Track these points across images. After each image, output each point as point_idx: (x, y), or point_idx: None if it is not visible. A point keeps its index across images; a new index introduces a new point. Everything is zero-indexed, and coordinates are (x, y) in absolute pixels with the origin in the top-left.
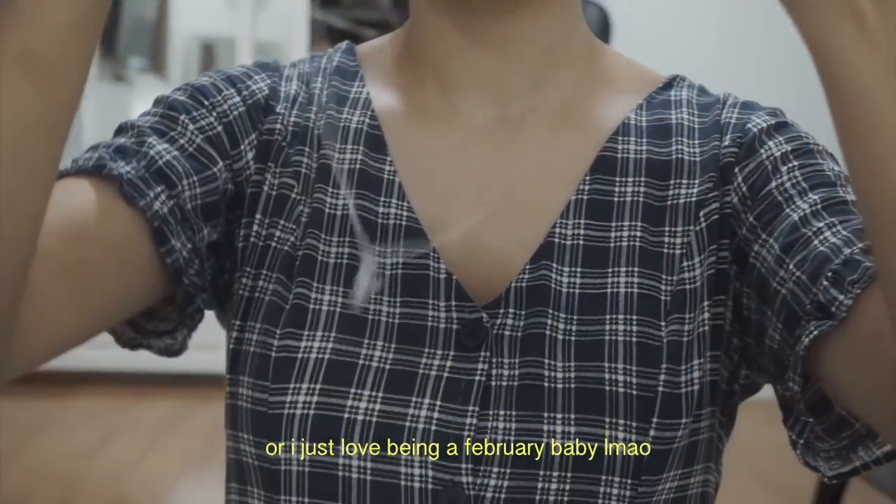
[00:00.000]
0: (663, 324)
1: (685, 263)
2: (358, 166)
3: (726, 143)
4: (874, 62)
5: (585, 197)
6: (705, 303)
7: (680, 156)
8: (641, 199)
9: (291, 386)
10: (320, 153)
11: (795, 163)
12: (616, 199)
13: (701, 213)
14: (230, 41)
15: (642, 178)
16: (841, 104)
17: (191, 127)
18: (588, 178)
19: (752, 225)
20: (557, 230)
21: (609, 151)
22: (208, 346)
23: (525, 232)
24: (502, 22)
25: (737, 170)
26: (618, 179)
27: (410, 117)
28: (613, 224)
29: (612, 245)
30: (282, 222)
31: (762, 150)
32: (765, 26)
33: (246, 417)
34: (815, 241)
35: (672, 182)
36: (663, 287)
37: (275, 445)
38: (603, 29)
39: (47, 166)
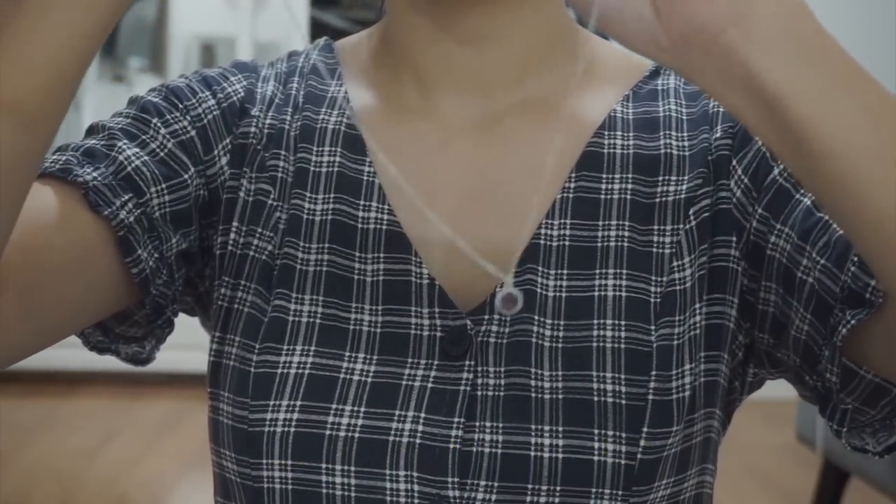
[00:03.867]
0: (653, 328)
1: (675, 263)
2: (336, 169)
3: (718, 135)
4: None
5: (571, 195)
6: (697, 304)
7: (668, 150)
8: (629, 197)
9: (271, 403)
10: (297, 156)
11: None
12: (603, 196)
13: (690, 211)
14: (230, 41)
15: (629, 175)
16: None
17: (163, 131)
18: (574, 175)
19: (762, 217)
20: (543, 231)
21: (595, 147)
22: (207, 347)
23: (510, 233)
24: (477, 16)
25: (735, 162)
26: (604, 176)
27: (389, 116)
28: (600, 223)
29: (598, 245)
30: (259, 230)
31: (757, 138)
32: None
33: (227, 434)
34: (834, 224)
35: (660, 178)
36: (652, 289)
37: (256, 463)
38: None
39: (16, 200)
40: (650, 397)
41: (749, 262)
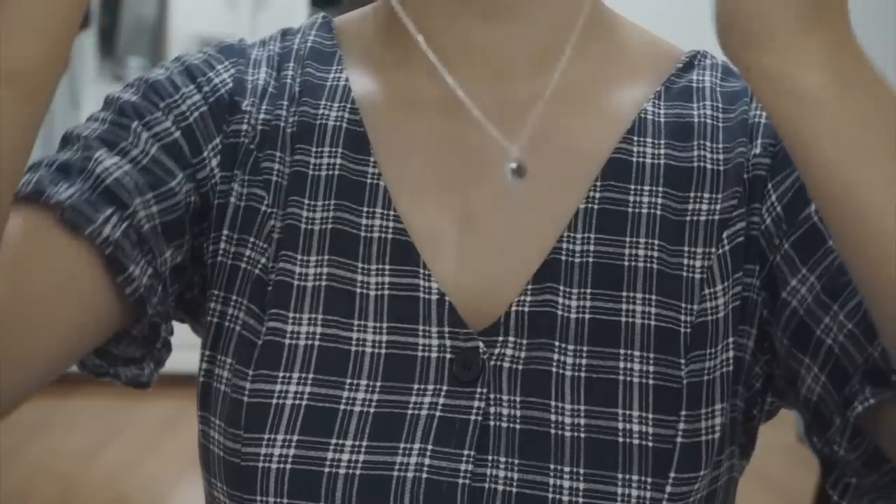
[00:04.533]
0: (683, 362)
1: (707, 291)
2: (337, 172)
3: (757, 151)
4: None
5: (596, 206)
6: (731, 338)
7: (702, 164)
8: (659, 213)
9: (266, 437)
10: (293, 158)
11: None
12: (630, 209)
13: (724, 235)
14: None
15: (660, 188)
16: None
17: (144, 135)
18: (599, 183)
19: (787, 255)
20: (564, 245)
21: (623, 154)
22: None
23: (528, 245)
24: None
25: (770, 186)
26: (632, 187)
27: (396, 105)
28: (627, 240)
29: (626, 264)
30: (251, 240)
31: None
32: None
33: (219, 466)
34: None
35: (692, 195)
36: (683, 318)
37: (250, 500)
38: None
39: (13, 182)
40: (679, 440)
41: (767, 294)
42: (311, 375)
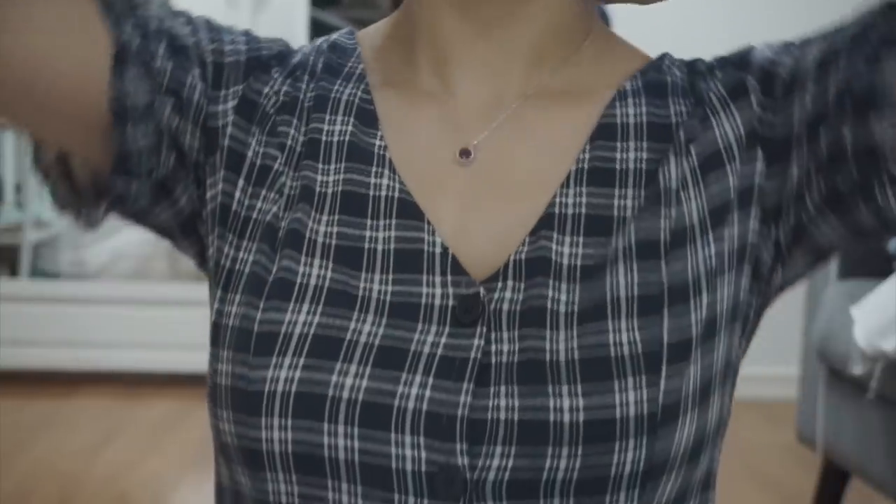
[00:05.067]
0: (664, 263)
1: (682, 194)
2: (348, 138)
3: (718, 77)
4: None
5: (587, 166)
6: (710, 235)
7: (679, 119)
8: (644, 167)
9: (273, 360)
10: (309, 126)
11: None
12: (618, 166)
13: (692, 148)
14: None
15: (644, 143)
16: None
17: (187, 31)
18: (588, 146)
19: (776, 101)
20: (558, 199)
21: (608, 118)
22: (207, 347)
23: (524, 205)
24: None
25: (748, 84)
26: (619, 144)
27: (404, 95)
28: (616, 191)
29: (615, 215)
30: (264, 192)
31: (753, 62)
32: (771, 25)
33: (226, 395)
34: (844, 42)
35: (672, 146)
36: (661, 224)
37: (255, 422)
38: None
39: None
40: (666, 337)
41: (771, 159)
42: (320, 307)
